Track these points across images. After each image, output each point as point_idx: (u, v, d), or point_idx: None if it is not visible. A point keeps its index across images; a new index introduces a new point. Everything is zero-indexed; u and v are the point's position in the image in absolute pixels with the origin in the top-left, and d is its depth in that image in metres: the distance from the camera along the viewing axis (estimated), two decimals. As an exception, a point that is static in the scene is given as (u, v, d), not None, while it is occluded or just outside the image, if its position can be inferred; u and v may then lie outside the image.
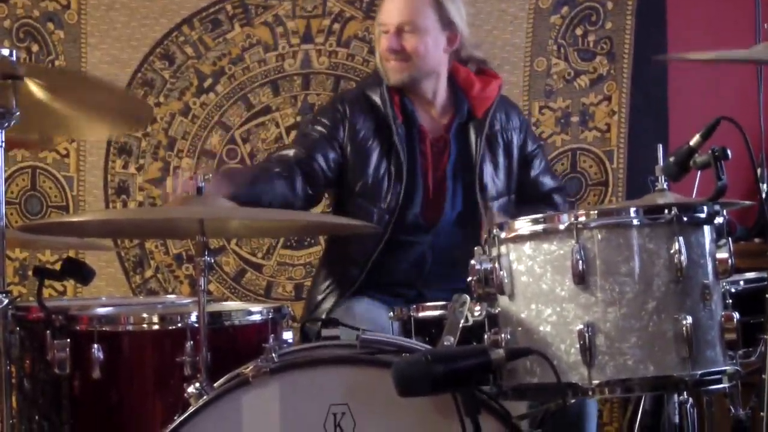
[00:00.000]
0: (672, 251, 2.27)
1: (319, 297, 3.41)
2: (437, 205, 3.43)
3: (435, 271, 3.38)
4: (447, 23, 3.43)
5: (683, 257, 2.26)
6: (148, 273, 4.57)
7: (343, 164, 3.40)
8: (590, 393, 2.27)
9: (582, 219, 2.30)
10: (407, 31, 3.39)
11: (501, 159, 3.49)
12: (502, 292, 2.37)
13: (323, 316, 3.28)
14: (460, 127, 3.48)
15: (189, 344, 2.62)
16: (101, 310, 2.94)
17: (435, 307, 2.79)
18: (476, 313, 2.53)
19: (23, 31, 4.57)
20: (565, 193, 3.72)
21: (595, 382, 2.26)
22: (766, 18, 4.29)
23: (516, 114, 3.60)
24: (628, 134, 4.56)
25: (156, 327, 2.75)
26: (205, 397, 2.45)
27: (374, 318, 3.14)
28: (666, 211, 2.30)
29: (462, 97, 3.49)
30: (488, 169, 3.45)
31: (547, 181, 3.60)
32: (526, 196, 3.52)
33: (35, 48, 4.56)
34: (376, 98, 3.44)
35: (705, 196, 2.41)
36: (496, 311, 2.39)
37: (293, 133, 4.54)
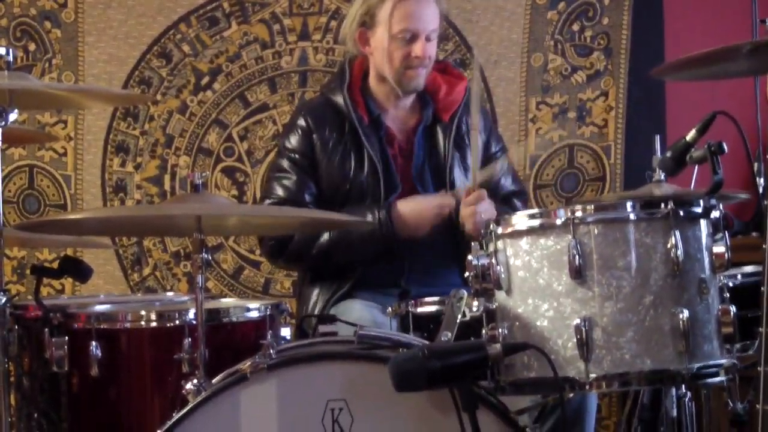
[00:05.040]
0: (669, 245, 2.27)
1: (313, 300, 3.37)
2: None
3: (416, 272, 3.32)
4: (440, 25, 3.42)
5: (680, 251, 2.26)
6: (146, 270, 4.57)
7: (321, 182, 3.37)
8: (587, 387, 2.28)
9: (578, 214, 2.30)
10: (432, 38, 3.35)
11: (468, 161, 3.43)
12: (500, 288, 2.37)
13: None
14: (426, 131, 3.44)
15: (187, 341, 2.62)
16: (99, 308, 2.94)
17: (433, 303, 2.80)
18: (474, 309, 2.53)
19: (20, 30, 4.57)
20: (525, 198, 3.68)
21: (593, 376, 2.26)
22: (763, 12, 4.30)
23: (481, 115, 3.50)
24: (625, 130, 4.56)
25: (154, 324, 2.75)
26: (203, 393, 2.44)
27: (373, 317, 3.12)
28: (662, 205, 2.30)
29: (428, 99, 3.46)
30: (458, 171, 3.41)
31: (508, 184, 3.55)
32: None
33: (32, 47, 4.56)
34: (340, 101, 3.39)
35: (702, 191, 2.41)
36: (494, 306, 2.39)
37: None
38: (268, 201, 3.40)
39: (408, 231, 3.26)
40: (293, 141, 3.41)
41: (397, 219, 3.26)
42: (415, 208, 3.27)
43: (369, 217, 3.23)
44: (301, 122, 3.41)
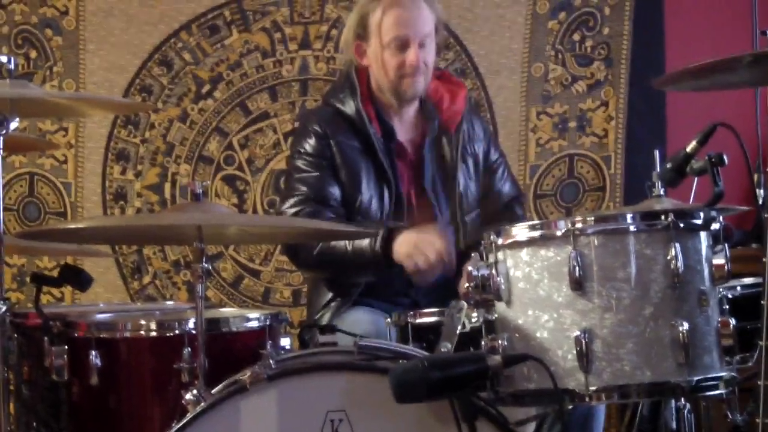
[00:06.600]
0: (669, 257, 2.27)
1: (321, 308, 3.32)
2: (428, 220, 3.28)
3: (427, 285, 3.28)
4: (437, 29, 3.35)
5: (680, 263, 2.26)
6: (146, 279, 4.57)
7: (342, 187, 3.30)
8: (587, 399, 2.27)
9: (579, 225, 2.29)
10: (426, 43, 3.29)
11: (472, 171, 3.41)
12: (500, 299, 2.36)
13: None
14: (433, 141, 3.39)
15: (186, 351, 2.61)
16: (99, 317, 2.94)
17: (432, 314, 2.80)
18: (473, 320, 2.53)
19: (21, 38, 4.58)
20: (523, 201, 3.65)
21: (592, 388, 2.25)
22: (763, 24, 4.30)
23: (480, 123, 3.53)
24: (625, 140, 4.56)
25: (154, 333, 2.74)
26: (202, 403, 2.44)
27: (376, 326, 3.10)
28: (662, 217, 2.29)
29: (432, 109, 3.41)
30: (463, 181, 3.38)
31: (507, 190, 3.51)
32: (487, 206, 3.43)
33: (33, 54, 4.57)
34: (351, 113, 3.31)
35: (702, 202, 2.41)
36: (494, 317, 2.38)
37: (291, 140, 4.54)
38: (292, 200, 3.28)
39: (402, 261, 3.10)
40: (309, 145, 3.31)
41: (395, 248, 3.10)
42: (410, 244, 3.07)
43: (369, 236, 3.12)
44: (316, 127, 3.31)
